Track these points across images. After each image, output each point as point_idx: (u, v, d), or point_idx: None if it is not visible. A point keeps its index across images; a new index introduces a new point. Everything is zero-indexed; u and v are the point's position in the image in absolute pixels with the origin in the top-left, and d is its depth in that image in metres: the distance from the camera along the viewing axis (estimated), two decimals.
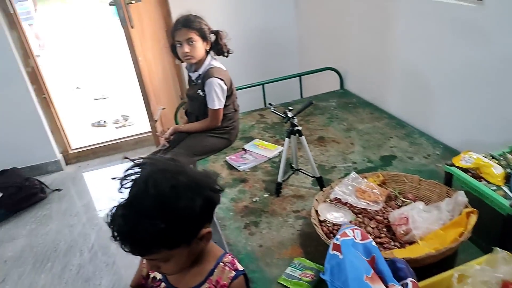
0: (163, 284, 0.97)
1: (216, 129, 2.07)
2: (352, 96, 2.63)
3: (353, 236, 1.07)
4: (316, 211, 1.44)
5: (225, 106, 2.02)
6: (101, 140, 3.39)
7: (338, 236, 1.07)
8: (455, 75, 1.80)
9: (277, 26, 3.22)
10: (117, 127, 4.25)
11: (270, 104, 1.63)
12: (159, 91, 2.58)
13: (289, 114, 1.59)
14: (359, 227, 1.37)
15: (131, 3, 2.03)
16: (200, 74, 1.99)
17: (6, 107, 2.79)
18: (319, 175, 1.67)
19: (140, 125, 3.99)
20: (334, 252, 1.02)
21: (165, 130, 2.16)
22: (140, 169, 0.82)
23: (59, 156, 3.12)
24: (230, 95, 2.04)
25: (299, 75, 2.72)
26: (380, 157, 1.90)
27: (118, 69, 6.43)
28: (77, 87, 5.79)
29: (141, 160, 0.84)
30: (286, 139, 1.62)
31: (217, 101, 1.96)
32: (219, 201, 0.92)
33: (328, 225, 1.39)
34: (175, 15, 2.86)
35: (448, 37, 1.77)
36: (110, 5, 2.01)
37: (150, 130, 3.40)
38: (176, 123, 2.53)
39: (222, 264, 0.95)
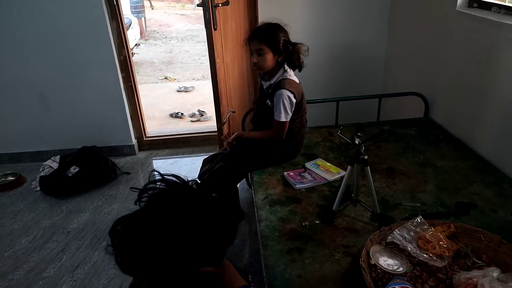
0: None
1: (280, 142, 2.00)
2: (436, 127, 2.37)
3: None
4: (368, 252, 1.29)
5: (292, 119, 1.94)
6: (175, 131, 3.53)
7: None
8: None
9: (366, 42, 3.04)
10: (192, 121, 4.40)
11: (338, 128, 1.52)
12: (232, 94, 2.58)
13: (356, 141, 1.45)
14: (415, 282, 1.20)
15: (218, 6, 2.04)
16: (271, 84, 1.94)
17: (96, 90, 3.03)
18: (379, 211, 1.51)
19: (214, 122, 4.08)
20: None
21: (230, 134, 2.15)
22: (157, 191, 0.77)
23: (134, 141, 3.31)
24: (299, 109, 1.95)
25: (379, 96, 2.53)
26: (456, 203, 1.66)
27: (207, 66, 6.73)
28: (165, 77, 6.16)
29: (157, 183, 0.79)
30: (349, 166, 1.49)
31: (283, 114, 1.89)
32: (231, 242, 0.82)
33: (379, 271, 1.24)
34: (261, 19, 2.87)
35: None
36: (197, 6, 2.05)
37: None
38: (243, 129, 2.52)
39: None
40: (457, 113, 2.24)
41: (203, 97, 5.14)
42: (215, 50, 2.12)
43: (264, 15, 2.87)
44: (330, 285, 1.29)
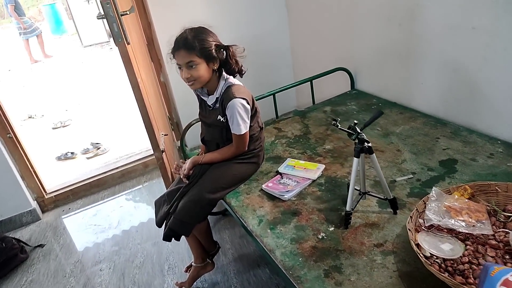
0: None
1: (243, 153, 1.75)
2: (369, 96, 2.41)
3: None
4: (417, 245, 1.18)
5: (249, 126, 1.71)
6: (82, 176, 2.92)
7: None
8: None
9: (269, 32, 2.95)
10: (88, 158, 3.76)
11: (334, 120, 1.35)
12: (155, 115, 2.20)
13: (358, 129, 1.31)
14: (476, 258, 1.13)
15: (126, 14, 1.65)
16: (217, 98, 1.67)
17: None
18: (392, 196, 1.41)
19: (116, 152, 3.55)
20: None
21: (180, 165, 1.81)
22: None
23: (34, 204, 2.62)
24: (254, 113, 1.73)
25: (311, 79, 2.45)
26: (440, 163, 1.68)
27: (74, 92, 5.85)
28: (30, 116, 5.15)
29: None
30: (355, 159, 1.35)
31: (242, 125, 1.64)
32: None
33: (437, 261, 1.14)
34: (157, 25, 2.51)
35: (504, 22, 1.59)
36: (98, 18, 1.63)
37: (137, 159, 3.04)
38: (183, 151, 2.17)
39: None
40: (387, 79, 2.31)
41: (87, 127, 4.46)
42: (134, 68, 1.74)
43: (159, 20, 2.52)
44: None
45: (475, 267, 1.11)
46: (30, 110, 5.29)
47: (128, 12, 1.66)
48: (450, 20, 1.80)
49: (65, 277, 2.14)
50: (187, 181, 1.73)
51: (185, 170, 1.73)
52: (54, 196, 2.74)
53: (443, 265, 1.13)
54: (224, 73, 1.70)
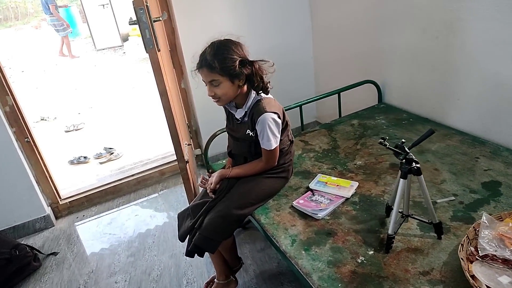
0: None
1: (273, 167, 1.68)
2: (399, 110, 2.33)
3: None
4: (472, 276, 1.09)
5: (279, 140, 1.63)
6: (97, 183, 2.86)
7: None
8: None
9: (292, 44, 2.89)
10: (101, 163, 3.70)
11: (382, 138, 1.27)
12: (179, 124, 2.13)
13: (406, 148, 1.23)
14: None
15: (158, 20, 1.59)
16: (246, 111, 1.60)
17: None
18: (438, 221, 1.32)
19: (129, 158, 3.48)
20: None
21: (206, 178, 1.73)
22: None
23: (48, 210, 2.55)
24: (285, 127, 1.66)
25: (338, 92, 2.38)
26: (482, 185, 1.59)
27: (86, 96, 5.83)
28: (42, 118, 5.12)
29: None
30: (401, 180, 1.26)
31: (273, 140, 1.56)
32: None
33: None
34: (181, 32, 2.46)
35: None
36: (130, 24, 1.56)
37: (153, 166, 2.97)
38: (207, 162, 2.10)
39: None
40: (419, 93, 2.22)
41: (100, 131, 4.41)
42: (163, 76, 1.67)
43: (182, 26, 2.47)
44: None
45: None
46: (43, 112, 5.26)
47: (161, 18, 1.60)
48: (493, 34, 1.72)
49: (82, 285, 2.06)
50: (213, 196, 1.65)
51: (211, 184, 1.65)
52: (69, 202, 2.67)
53: None
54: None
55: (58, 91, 6.32)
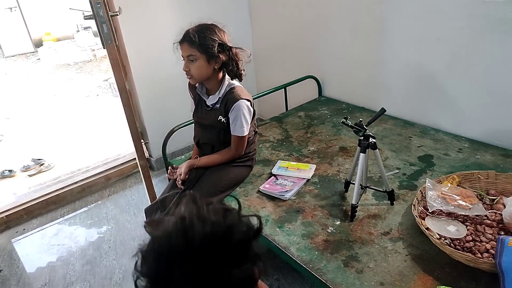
0: None
1: (240, 156, 1.76)
2: (338, 102, 2.57)
3: None
4: (427, 228, 1.29)
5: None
6: (37, 194, 2.65)
7: None
8: (473, 71, 1.85)
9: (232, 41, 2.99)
10: (30, 175, 3.42)
11: (344, 118, 1.43)
12: None
13: (364, 125, 1.41)
14: (477, 236, 1.27)
15: (116, 15, 1.58)
16: (219, 98, 1.67)
17: None
18: (391, 189, 1.53)
19: (64, 167, 3.27)
20: None
21: (173, 170, 1.75)
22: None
23: None
24: (252, 117, 1.76)
25: (284, 87, 2.54)
26: (418, 158, 1.85)
27: (1, 106, 5.29)
28: None
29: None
30: (361, 154, 1.44)
31: (246, 127, 1.66)
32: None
33: (446, 242, 1.26)
34: (123, 29, 2.42)
35: (469, 33, 1.82)
36: (85, 19, 1.53)
37: (97, 172, 2.85)
38: (165, 158, 2.11)
39: None
40: (352, 85, 2.48)
41: (23, 143, 4.05)
42: (122, 73, 1.66)
43: (125, 23, 2.43)
44: (414, 276, 1.23)
45: (478, 244, 1.25)
46: None
47: (118, 13, 1.60)
48: (416, 31, 2.01)
49: None
50: (182, 187, 1.69)
51: (181, 174, 1.68)
52: (5, 216, 2.45)
53: (452, 244, 1.25)
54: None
55: None
